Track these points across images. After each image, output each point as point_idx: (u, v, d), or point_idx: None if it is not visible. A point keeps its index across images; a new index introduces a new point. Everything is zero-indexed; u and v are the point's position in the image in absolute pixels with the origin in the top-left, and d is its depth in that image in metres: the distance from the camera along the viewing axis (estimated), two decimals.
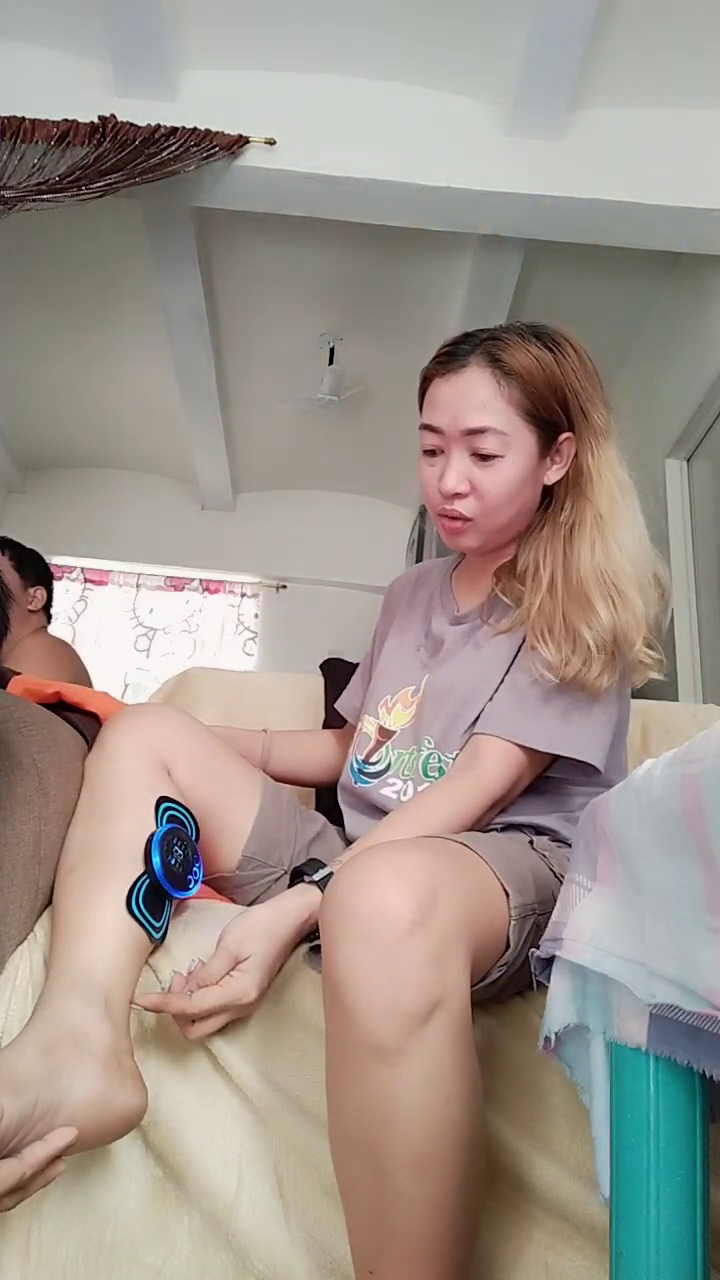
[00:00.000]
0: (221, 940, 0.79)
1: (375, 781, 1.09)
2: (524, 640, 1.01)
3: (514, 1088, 0.76)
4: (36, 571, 2.19)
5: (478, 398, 0.99)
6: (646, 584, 1.00)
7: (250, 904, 1.02)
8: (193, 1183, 0.72)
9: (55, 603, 2.25)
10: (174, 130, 2.21)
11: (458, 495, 1.01)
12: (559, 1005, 0.59)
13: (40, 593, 2.17)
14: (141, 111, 2.23)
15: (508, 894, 0.77)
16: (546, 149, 2.36)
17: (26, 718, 0.92)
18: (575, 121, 2.36)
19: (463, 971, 0.65)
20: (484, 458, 0.99)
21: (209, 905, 0.96)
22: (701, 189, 2.36)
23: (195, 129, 2.22)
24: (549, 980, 0.62)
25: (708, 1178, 0.51)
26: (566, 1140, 0.73)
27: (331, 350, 3.48)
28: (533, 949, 0.64)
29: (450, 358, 1.02)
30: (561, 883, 0.84)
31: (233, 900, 1.03)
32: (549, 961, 0.62)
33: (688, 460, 2.94)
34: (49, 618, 2.24)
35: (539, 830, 1.01)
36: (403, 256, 2.96)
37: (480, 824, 0.95)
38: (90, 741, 1.03)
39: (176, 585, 4.78)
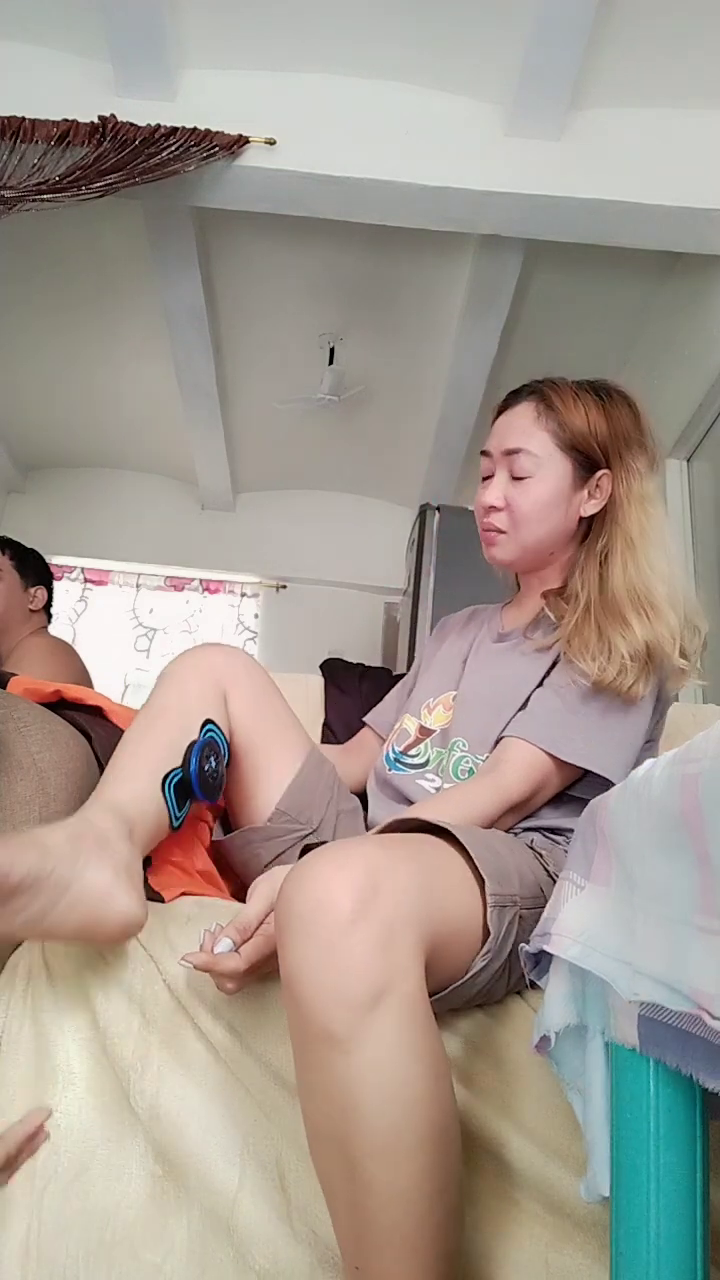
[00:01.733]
0: (254, 891, 0.83)
1: (413, 773, 1.12)
2: (559, 655, 1.07)
3: (513, 1086, 0.76)
4: (37, 571, 2.19)
5: (519, 425, 1.13)
6: (679, 601, 1.06)
7: (267, 866, 1.06)
8: (194, 1178, 0.72)
9: (55, 602, 2.25)
10: (174, 130, 2.21)
11: (494, 509, 1.13)
12: (557, 1005, 0.59)
13: (41, 592, 2.17)
14: (141, 111, 2.23)
15: (484, 882, 0.77)
16: (546, 149, 2.36)
17: (26, 718, 0.92)
18: (575, 121, 2.36)
19: (412, 958, 0.66)
20: (519, 478, 1.11)
21: (213, 903, 0.96)
22: (701, 189, 2.36)
23: (195, 129, 2.22)
24: (539, 978, 0.62)
25: (708, 1178, 0.51)
26: (567, 1138, 0.73)
27: (331, 350, 3.48)
28: (521, 945, 0.65)
29: (512, 397, 1.18)
30: (556, 882, 0.85)
31: (246, 865, 1.08)
32: (539, 959, 0.62)
33: (688, 460, 2.95)
34: (49, 617, 2.24)
35: (554, 830, 1.02)
36: (403, 256, 2.96)
37: (499, 828, 0.97)
38: (93, 738, 1.03)
39: (176, 585, 4.77)
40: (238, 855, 1.09)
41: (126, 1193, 0.73)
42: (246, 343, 3.50)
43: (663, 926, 0.48)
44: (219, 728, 1.01)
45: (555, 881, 0.85)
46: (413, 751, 1.15)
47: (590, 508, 1.12)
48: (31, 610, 2.14)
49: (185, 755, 0.94)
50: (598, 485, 1.12)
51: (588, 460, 1.11)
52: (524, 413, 1.13)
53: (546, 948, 0.59)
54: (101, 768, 1.04)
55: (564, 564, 1.16)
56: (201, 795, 0.95)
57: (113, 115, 2.20)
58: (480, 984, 0.77)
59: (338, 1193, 0.63)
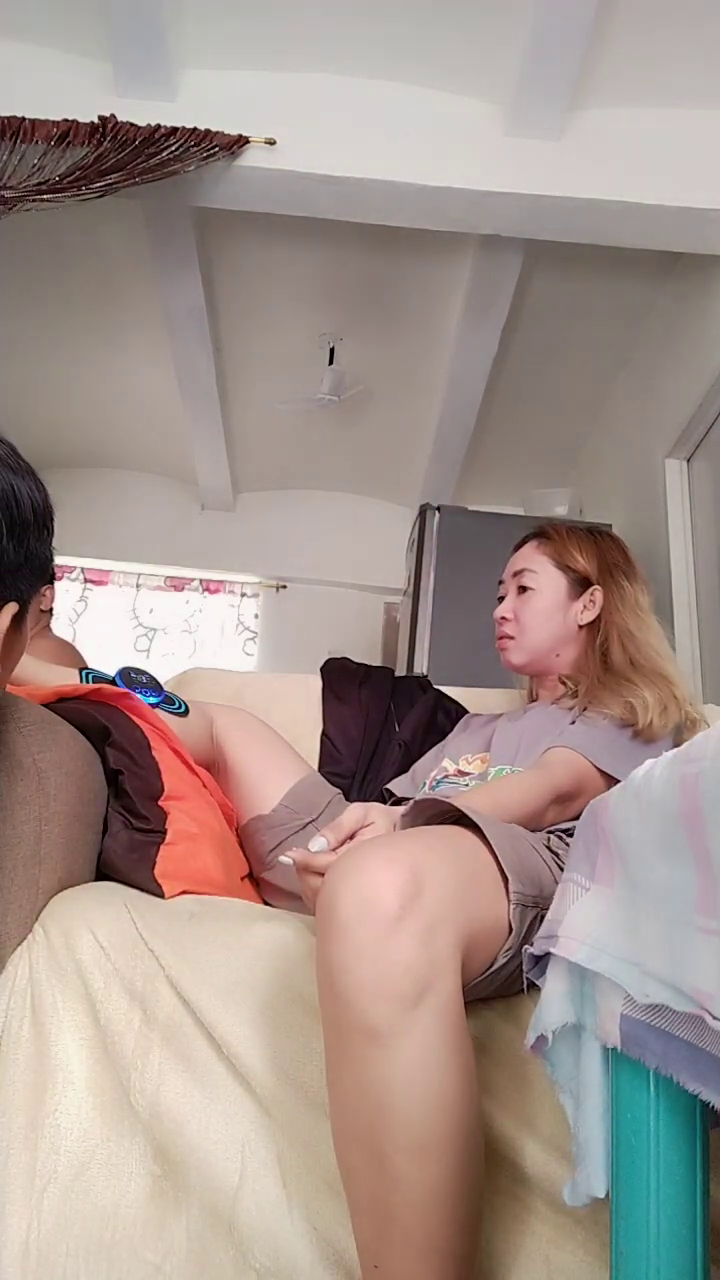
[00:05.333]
0: (350, 809, 0.91)
1: (451, 789, 1.22)
2: (579, 714, 1.23)
3: (516, 1083, 0.76)
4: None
5: (525, 553, 1.42)
6: (678, 676, 1.26)
7: (273, 850, 1.20)
8: (195, 1176, 0.72)
9: (55, 602, 2.24)
10: (174, 130, 2.21)
11: (505, 620, 1.38)
12: (555, 1004, 0.59)
13: (50, 592, 2.15)
14: (141, 111, 2.23)
15: (508, 880, 0.78)
16: (546, 149, 2.36)
17: (26, 718, 0.92)
18: (575, 121, 2.36)
19: (451, 956, 0.67)
20: (523, 590, 1.37)
21: (217, 901, 0.96)
22: (701, 189, 2.36)
23: (195, 129, 2.22)
24: (539, 978, 0.62)
25: (708, 1177, 0.51)
26: (570, 1135, 0.73)
27: (331, 350, 3.48)
28: (526, 946, 0.65)
29: (521, 540, 1.45)
30: None
31: (254, 853, 1.22)
32: (541, 959, 0.62)
33: (688, 460, 2.94)
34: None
35: (568, 833, 1.05)
36: (403, 256, 2.96)
37: (543, 815, 1.04)
38: (113, 729, 1.04)
39: (176, 585, 4.77)
40: (247, 844, 1.24)
41: (126, 1192, 0.73)
42: (246, 343, 3.50)
43: (665, 927, 0.48)
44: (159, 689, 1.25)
45: None
46: (452, 779, 1.25)
47: (586, 617, 1.34)
48: (42, 610, 2.13)
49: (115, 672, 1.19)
50: (591, 598, 1.34)
51: (581, 578, 1.36)
52: (529, 546, 1.42)
53: (554, 950, 0.58)
54: (126, 755, 1.05)
55: (570, 663, 1.36)
56: (118, 677, 1.17)
57: (113, 115, 2.20)
58: (498, 981, 0.78)
59: (362, 1188, 0.63)
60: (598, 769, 1.12)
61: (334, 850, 0.85)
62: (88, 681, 1.17)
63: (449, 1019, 0.64)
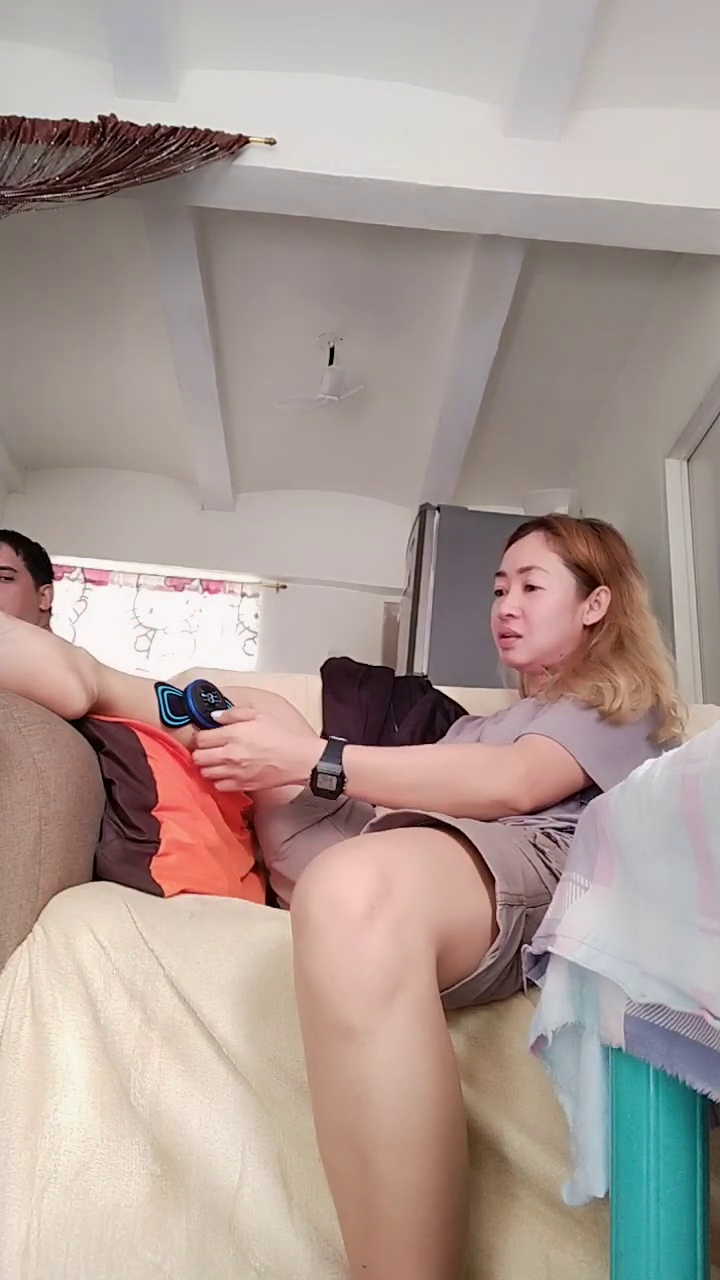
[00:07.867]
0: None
1: None
2: (555, 697, 1.22)
3: (516, 1083, 0.76)
4: (46, 569, 2.16)
5: (531, 548, 1.36)
6: (667, 669, 1.24)
7: (291, 839, 1.22)
8: (195, 1175, 0.72)
9: (54, 602, 2.24)
10: (174, 130, 2.21)
11: (511, 617, 1.33)
12: (555, 1004, 0.59)
13: (49, 591, 2.14)
14: (141, 111, 2.23)
15: (494, 880, 0.78)
16: (546, 149, 2.36)
17: (27, 718, 0.92)
18: (575, 121, 2.36)
19: (425, 952, 0.67)
20: (531, 588, 1.32)
21: (217, 901, 0.96)
22: (701, 189, 2.36)
23: (195, 129, 2.22)
24: (539, 978, 0.62)
25: (708, 1178, 0.51)
26: (569, 1135, 0.73)
27: (331, 350, 3.48)
28: (525, 945, 0.65)
29: (521, 530, 1.41)
30: (557, 880, 0.86)
31: (269, 842, 1.24)
32: (540, 959, 0.62)
33: (688, 460, 2.94)
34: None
35: (558, 829, 1.04)
36: (403, 256, 2.96)
37: (517, 803, 1.05)
38: (105, 741, 1.04)
39: (176, 585, 4.77)
40: (262, 832, 1.25)
41: (126, 1192, 0.73)
42: (246, 343, 3.50)
43: (665, 926, 0.48)
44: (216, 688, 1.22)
45: (556, 878, 0.87)
46: None
47: (591, 617, 1.32)
48: (41, 610, 2.12)
49: (185, 688, 1.17)
50: (597, 599, 1.32)
51: (588, 578, 1.33)
52: (534, 539, 1.36)
53: (552, 949, 0.59)
54: (121, 767, 1.04)
55: (560, 660, 1.34)
56: (195, 711, 1.13)
57: (113, 115, 2.20)
58: (489, 981, 0.77)
59: (347, 1188, 0.63)
60: (565, 750, 1.10)
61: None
62: (162, 696, 1.15)
63: (424, 1014, 0.65)
